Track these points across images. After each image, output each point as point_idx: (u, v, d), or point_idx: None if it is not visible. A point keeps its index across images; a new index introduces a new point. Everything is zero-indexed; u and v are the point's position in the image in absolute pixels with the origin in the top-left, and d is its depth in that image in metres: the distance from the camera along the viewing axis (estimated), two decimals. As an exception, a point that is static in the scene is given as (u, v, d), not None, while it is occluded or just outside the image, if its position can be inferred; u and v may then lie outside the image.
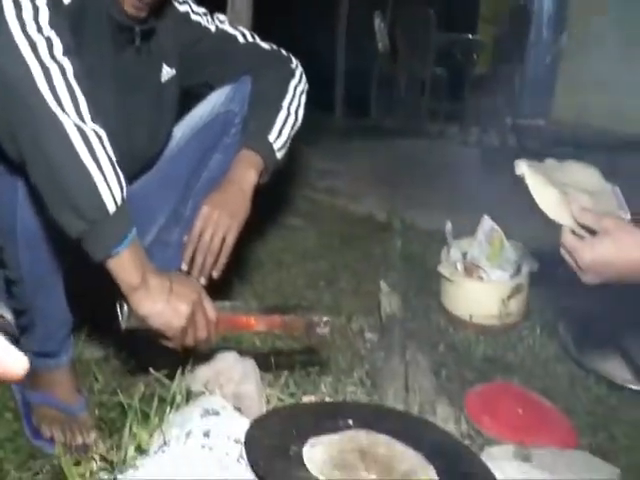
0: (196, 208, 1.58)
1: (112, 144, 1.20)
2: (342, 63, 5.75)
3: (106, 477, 1.19)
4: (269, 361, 1.83)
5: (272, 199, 2.73)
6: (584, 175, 1.50)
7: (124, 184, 1.21)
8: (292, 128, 1.70)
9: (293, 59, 1.78)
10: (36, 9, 1.17)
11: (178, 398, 1.39)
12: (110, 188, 1.17)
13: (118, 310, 1.25)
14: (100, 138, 1.17)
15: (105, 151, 1.17)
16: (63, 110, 1.13)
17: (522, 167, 1.42)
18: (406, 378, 1.70)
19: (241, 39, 1.72)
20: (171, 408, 1.34)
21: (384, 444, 1.11)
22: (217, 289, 1.51)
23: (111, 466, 1.25)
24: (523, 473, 1.14)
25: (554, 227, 1.37)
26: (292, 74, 1.75)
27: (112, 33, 1.42)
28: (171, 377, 1.56)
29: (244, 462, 1.06)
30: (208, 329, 1.32)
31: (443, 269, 2.16)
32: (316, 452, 1.06)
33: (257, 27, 2.60)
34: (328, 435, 1.11)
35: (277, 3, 4.56)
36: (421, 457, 1.09)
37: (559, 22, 4.57)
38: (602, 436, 1.63)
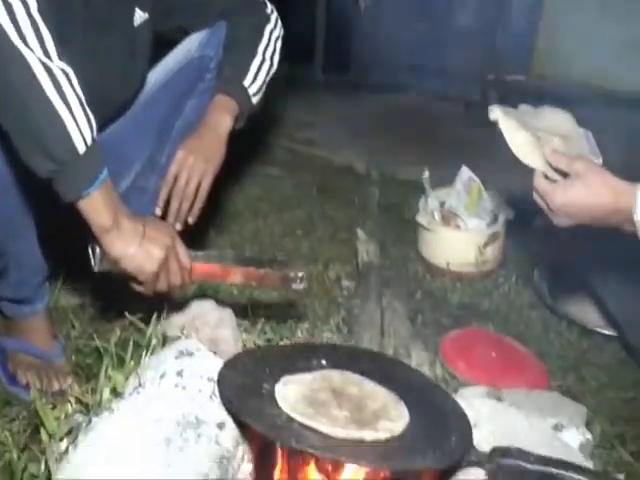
0: (172, 154, 1.57)
1: (83, 88, 1.18)
2: (323, 15, 5.66)
3: (81, 419, 1.20)
4: (246, 310, 1.84)
5: (250, 149, 2.71)
6: (557, 120, 1.50)
7: (94, 125, 1.18)
8: (267, 73, 1.68)
9: (268, 4, 1.75)
10: None
11: (154, 342, 1.40)
12: (79, 128, 1.15)
13: (90, 253, 1.24)
14: (68, 76, 1.14)
15: (73, 90, 1.14)
16: (27, 46, 1.10)
17: (496, 112, 1.42)
18: (382, 324, 1.72)
19: None
20: (147, 352, 1.34)
21: (357, 383, 1.12)
22: (193, 238, 1.50)
23: (86, 409, 1.26)
24: (494, 410, 1.16)
25: (528, 172, 1.38)
26: (267, 19, 1.72)
27: None
28: (147, 322, 1.57)
29: (217, 400, 1.07)
30: (181, 275, 1.31)
31: (421, 218, 2.17)
32: (288, 390, 1.07)
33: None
34: (301, 374, 1.12)
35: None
36: (393, 395, 1.11)
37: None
38: (572, 378, 1.68)
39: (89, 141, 1.16)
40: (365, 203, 2.47)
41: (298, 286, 1.39)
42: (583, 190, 1.29)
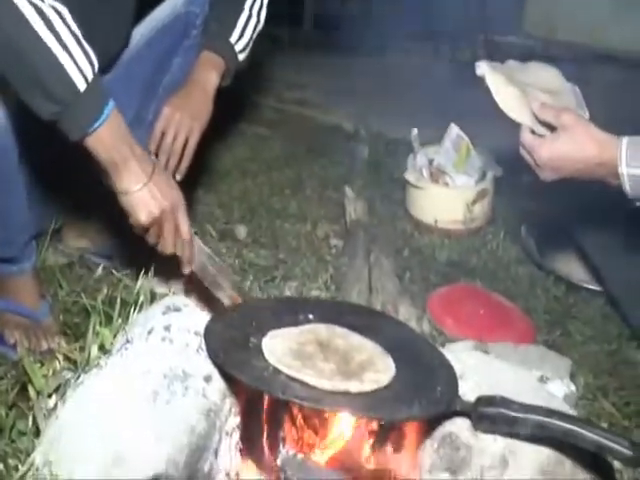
0: (159, 111, 1.56)
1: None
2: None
3: (69, 376, 1.20)
4: (234, 266, 1.84)
5: (238, 109, 2.69)
6: (545, 75, 1.50)
7: (94, 59, 1.17)
8: (254, 30, 1.66)
9: None
10: None
11: (142, 299, 1.40)
12: (78, 66, 1.13)
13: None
14: (60, 14, 1.12)
15: (68, 27, 1.13)
16: None
17: (482, 67, 1.41)
18: (370, 281, 1.72)
19: None
20: (135, 309, 1.35)
21: (343, 336, 1.13)
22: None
23: (75, 366, 1.26)
24: (480, 362, 1.17)
25: (515, 129, 1.38)
26: (254, -25, 1.69)
27: None
28: (136, 279, 1.56)
29: (204, 353, 1.07)
30: (174, 242, 1.30)
31: (409, 175, 2.17)
32: (275, 343, 1.08)
33: None
34: (288, 328, 1.13)
35: None
36: (380, 348, 1.12)
37: None
38: (558, 332, 1.70)
39: (90, 77, 1.15)
40: (354, 162, 2.46)
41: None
42: (569, 143, 1.29)
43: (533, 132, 1.35)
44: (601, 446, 0.90)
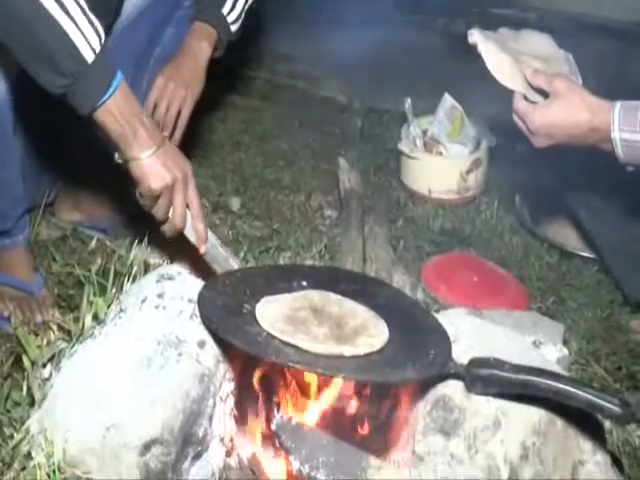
0: (151, 82, 1.55)
1: None
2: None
3: (64, 346, 1.21)
4: (227, 237, 1.84)
5: (231, 81, 2.66)
6: (538, 42, 1.49)
7: (101, 31, 1.16)
8: (246, 1, 1.64)
9: None
10: None
11: (135, 269, 1.40)
12: (85, 37, 1.13)
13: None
14: None
15: None
16: None
17: (475, 35, 1.40)
18: (364, 250, 1.72)
19: None
20: (128, 279, 1.35)
21: (337, 302, 1.12)
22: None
23: (69, 336, 1.27)
24: (474, 326, 1.17)
25: (509, 97, 1.37)
26: (246, -54, 1.67)
27: None
28: (129, 250, 1.57)
29: (197, 320, 1.07)
30: (185, 213, 1.27)
31: (403, 146, 2.16)
32: (269, 309, 1.07)
33: None
34: (281, 295, 1.13)
35: None
36: (373, 313, 1.12)
37: None
38: (552, 300, 1.70)
39: (97, 49, 1.15)
40: (347, 134, 2.44)
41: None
42: (561, 109, 1.29)
43: (526, 99, 1.35)
44: (592, 404, 0.91)
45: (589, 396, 0.91)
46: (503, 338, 1.16)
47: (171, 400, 0.98)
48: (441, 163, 2.18)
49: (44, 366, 1.20)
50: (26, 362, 1.21)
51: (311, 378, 1.11)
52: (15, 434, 1.07)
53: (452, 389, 1.03)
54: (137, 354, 1.03)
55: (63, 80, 1.13)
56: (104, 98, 1.16)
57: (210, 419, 1.06)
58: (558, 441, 1.01)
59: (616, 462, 1.08)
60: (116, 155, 1.24)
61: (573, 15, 3.25)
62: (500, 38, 1.45)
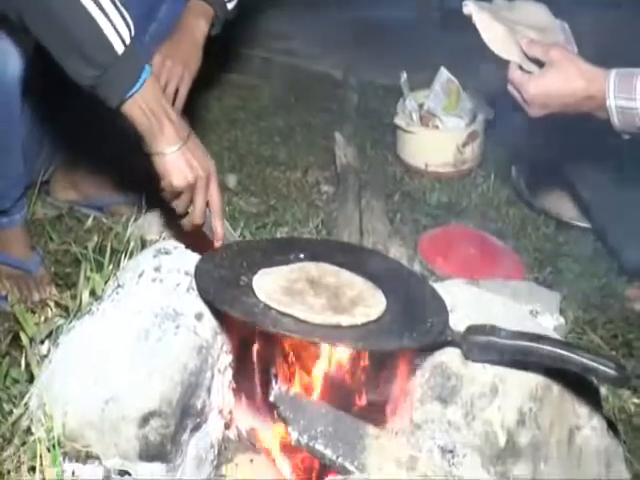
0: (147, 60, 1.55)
1: None
2: None
3: (61, 322, 1.21)
4: (224, 215, 1.83)
5: (226, 59, 2.65)
6: (533, 12, 1.49)
7: (130, 21, 1.16)
8: None
9: None
10: None
11: (132, 245, 1.40)
12: (116, 28, 1.13)
13: None
14: None
15: None
16: None
17: (469, 6, 1.39)
18: (360, 224, 1.72)
19: None
20: (125, 256, 1.35)
21: (334, 273, 1.13)
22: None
23: (66, 312, 1.27)
24: (471, 295, 1.17)
25: (504, 67, 1.36)
26: None
27: None
28: (125, 227, 1.56)
29: (194, 293, 1.07)
30: (205, 211, 1.26)
31: (399, 120, 2.15)
32: (266, 281, 1.08)
33: None
34: (278, 267, 1.13)
35: None
36: (370, 284, 1.12)
37: None
38: (548, 270, 1.71)
39: (127, 40, 1.15)
40: (343, 109, 2.43)
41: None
42: (556, 78, 1.28)
43: (522, 69, 1.34)
44: (588, 368, 0.92)
45: (585, 360, 0.91)
46: (500, 307, 1.16)
47: (169, 372, 0.99)
48: (437, 137, 2.17)
49: (42, 343, 1.20)
50: (24, 339, 1.21)
51: (309, 348, 1.11)
52: (15, 410, 1.08)
53: (449, 357, 1.03)
54: (134, 327, 1.03)
55: (93, 71, 1.13)
56: (133, 90, 1.16)
57: (208, 391, 1.06)
58: (555, 407, 1.01)
59: (612, 428, 1.08)
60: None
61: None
62: (495, 8, 1.44)
